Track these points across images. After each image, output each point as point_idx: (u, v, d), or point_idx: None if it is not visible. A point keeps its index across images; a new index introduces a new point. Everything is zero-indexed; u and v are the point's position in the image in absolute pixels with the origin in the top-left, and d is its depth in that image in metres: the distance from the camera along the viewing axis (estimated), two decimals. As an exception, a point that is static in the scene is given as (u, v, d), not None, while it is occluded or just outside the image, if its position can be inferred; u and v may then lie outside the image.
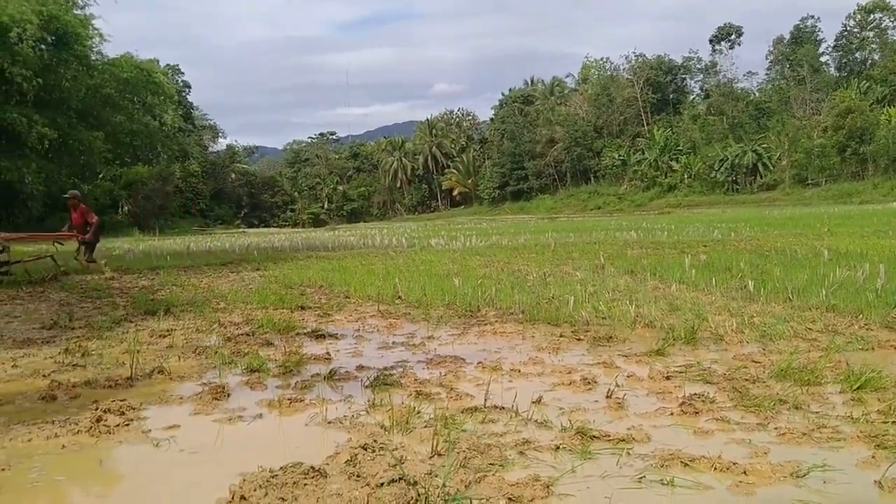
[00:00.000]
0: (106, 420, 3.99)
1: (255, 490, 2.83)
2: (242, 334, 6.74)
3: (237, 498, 2.85)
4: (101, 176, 56.77)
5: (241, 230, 61.64)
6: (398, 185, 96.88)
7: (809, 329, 5.86)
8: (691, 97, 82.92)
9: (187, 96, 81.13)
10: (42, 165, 43.97)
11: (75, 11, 46.20)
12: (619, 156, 75.53)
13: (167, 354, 5.91)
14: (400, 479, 2.81)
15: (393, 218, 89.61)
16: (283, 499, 2.76)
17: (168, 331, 7.06)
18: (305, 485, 2.89)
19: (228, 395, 4.54)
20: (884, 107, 62.44)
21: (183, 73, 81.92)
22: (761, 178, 65.04)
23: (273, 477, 2.94)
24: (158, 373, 5.18)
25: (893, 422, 3.47)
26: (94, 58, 49.19)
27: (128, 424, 3.97)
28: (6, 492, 3.10)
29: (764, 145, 65.58)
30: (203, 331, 7.06)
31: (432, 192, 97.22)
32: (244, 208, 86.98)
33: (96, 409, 4.18)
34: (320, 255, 17.45)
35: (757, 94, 77.11)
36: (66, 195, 15.85)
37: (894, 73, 65.30)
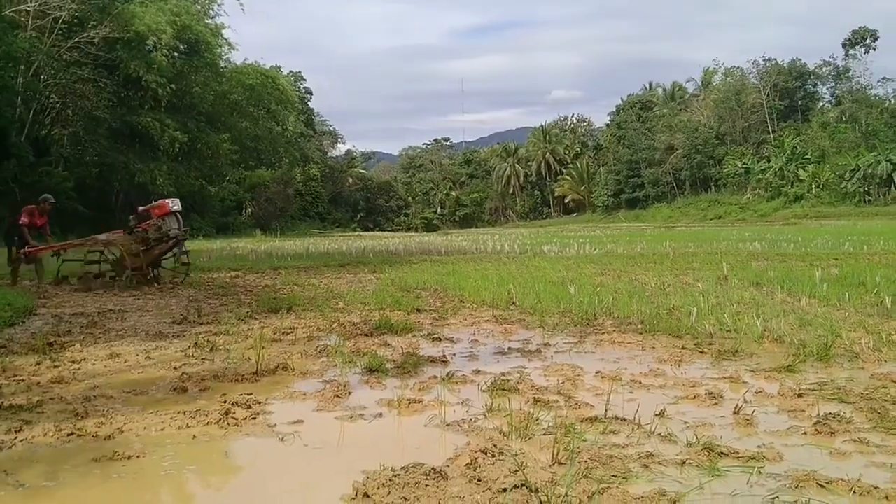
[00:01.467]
0: (234, 413, 4.14)
1: (378, 488, 2.86)
2: (361, 334, 6.88)
3: (360, 495, 2.90)
4: (226, 178, 59.30)
5: (356, 233, 63.02)
6: (510, 191, 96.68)
7: (957, 350, 5.46)
8: (821, 104, 79.07)
9: (309, 102, 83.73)
10: (172, 167, 46.35)
11: (206, 21, 48.50)
12: (743, 164, 72.74)
13: (290, 351, 6.10)
14: (522, 485, 2.79)
15: (505, 224, 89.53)
16: (405, 498, 2.78)
17: (291, 328, 7.29)
18: (427, 486, 2.91)
19: (349, 393, 4.63)
20: None
21: (305, 79, 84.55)
22: (896, 189, 61.30)
23: (395, 476, 2.97)
24: (282, 369, 5.35)
25: None
26: (222, 65, 51.50)
27: (254, 418, 4.11)
28: (141, 478, 3.26)
29: (900, 154, 61.79)
30: (323, 329, 7.25)
31: (545, 199, 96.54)
32: (360, 212, 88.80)
33: (224, 401, 4.35)
34: (434, 259, 17.63)
35: (893, 101, 72.77)
36: (46, 200, 14.15)
37: None
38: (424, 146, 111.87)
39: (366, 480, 2.93)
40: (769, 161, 71.08)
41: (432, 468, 3.02)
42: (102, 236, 13.81)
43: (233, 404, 4.29)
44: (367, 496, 2.86)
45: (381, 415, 4.18)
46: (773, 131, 74.87)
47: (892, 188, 61.32)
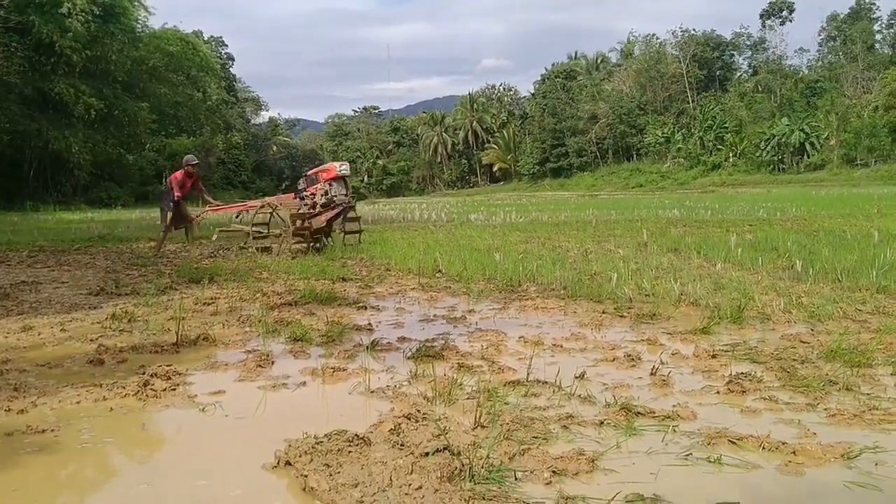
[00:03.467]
0: (153, 384, 4.06)
1: (300, 456, 2.85)
2: (285, 304, 6.81)
3: (283, 463, 2.88)
4: (146, 147, 57.55)
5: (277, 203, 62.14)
6: (438, 159, 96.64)
7: (859, 310, 5.72)
8: (739, 74, 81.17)
9: (230, 69, 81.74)
10: (89, 135, 44.76)
11: (122, -16, 46.66)
12: (663, 133, 74.30)
13: (212, 322, 5.99)
14: (444, 448, 2.81)
15: (432, 193, 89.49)
16: (327, 465, 2.78)
17: (212, 299, 7.16)
18: (350, 452, 2.90)
19: (272, 363, 4.59)
20: (939, 86, 60.52)
21: (226, 45, 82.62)
22: (808, 157, 63.55)
23: (318, 444, 2.95)
24: (203, 340, 5.25)
25: (950, 406, 3.38)
26: (139, 30, 49.72)
27: (174, 389, 4.03)
28: (57, 452, 3.17)
29: (812, 124, 64.05)
30: (246, 300, 7.14)
31: (472, 168, 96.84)
32: (285, 181, 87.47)
33: (143, 373, 4.25)
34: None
35: (807, 72, 75.23)
36: (189, 162, 13.43)
37: (951, 51, 63.21)
38: (353, 113, 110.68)
39: (288, 449, 2.91)
40: (689, 130, 72.76)
41: (356, 434, 3.01)
42: (272, 199, 13.50)
43: (152, 376, 4.19)
44: (290, 464, 2.84)
45: (304, 383, 4.15)
46: (693, 101, 76.58)
47: (805, 156, 63.58)
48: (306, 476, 2.70)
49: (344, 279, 8.49)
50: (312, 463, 2.80)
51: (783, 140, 63.82)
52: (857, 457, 2.83)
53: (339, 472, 2.72)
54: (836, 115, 61.34)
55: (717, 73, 79.52)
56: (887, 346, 4.48)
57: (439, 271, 8.87)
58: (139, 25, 49.78)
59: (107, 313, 6.40)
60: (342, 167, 12.50)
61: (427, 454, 2.79)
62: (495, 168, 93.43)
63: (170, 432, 3.55)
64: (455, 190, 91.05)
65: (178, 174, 13.42)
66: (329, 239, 12.49)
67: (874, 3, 72.03)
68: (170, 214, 13.52)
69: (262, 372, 4.39)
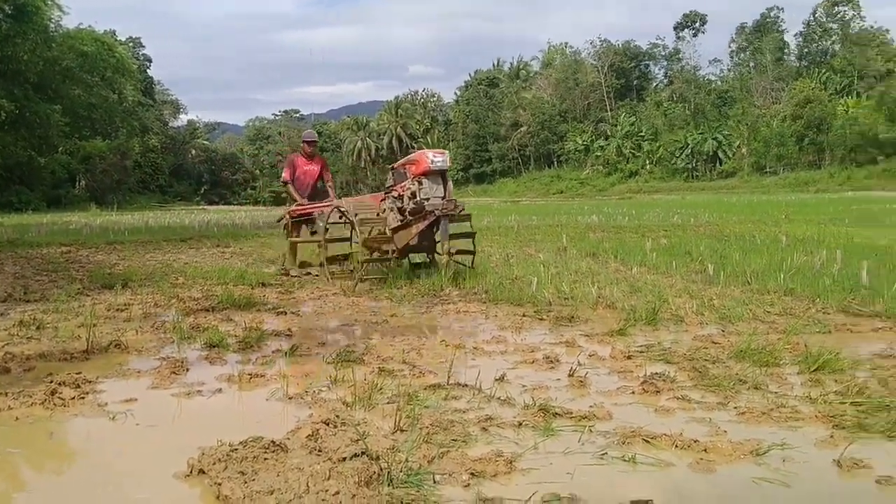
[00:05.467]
0: (61, 393, 3.90)
1: (214, 464, 2.78)
2: (202, 309, 6.65)
3: (196, 472, 2.80)
4: (58, 149, 55.48)
5: (201, 207, 60.74)
6: (362, 164, 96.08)
7: (768, 312, 5.94)
8: (655, 84, 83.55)
9: (148, 70, 79.63)
10: (-1, 137, 42.90)
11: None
12: (583, 141, 75.86)
13: (124, 328, 5.80)
14: (362, 453, 2.79)
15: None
16: (242, 472, 2.72)
17: (125, 305, 6.94)
18: (266, 459, 2.84)
19: (187, 370, 4.47)
20: (842, 97, 63.54)
21: (144, 46, 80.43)
22: (721, 165, 65.86)
23: (233, 451, 2.88)
24: (115, 346, 5.08)
25: (851, 403, 3.52)
26: (52, 29, 47.91)
27: (83, 397, 3.88)
28: (-45, 465, 3.02)
29: (724, 132, 66.36)
30: (161, 305, 6.94)
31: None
32: (204, 185, 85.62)
33: (51, 381, 4.08)
34: (281, 233, 17.19)
35: (719, 83, 77.96)
36: (307, 139, 10.36)
37: (853, 64, 66.40)
38: (273, 117, 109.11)
39: (201, 456, 2.83)
40: (607, 138, 74.42)
41: (272, 441, 2.95)
42: (347, 200, 9.58)
43: (60, 384, 4.02)
44: (203, 472, 2.77)
45: (220, 390, 4.05)
46: (611, 109, 78.36)
47: (718, 164, 65.78)
48: (220, 484, 2.63)
49: (263, 284, 8.35)
50: (227, 470, 2.73)
51: (697, 148, 65.93)
52: (766, 453, 2.92)
53: (254, 480, 2.66)
54: (747, 125, 63.73)
55: (634, 82, 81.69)
56: (794, 346, 4.66)
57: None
58: (52, 25, 47.95)
59: (14, 320, 6.12)
60: (437, 158, 8.03)
61: (345, 459, 2.76)
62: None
63: (78, 442, 3.42)
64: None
65: (293, 155, 10.43)
66: (432, 256, 9.07)
67: (779, 16, 75.14)
68: (287, 221, 9.98)
69: (177, 379, 4.27)
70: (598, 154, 73.99)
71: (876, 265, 7.47)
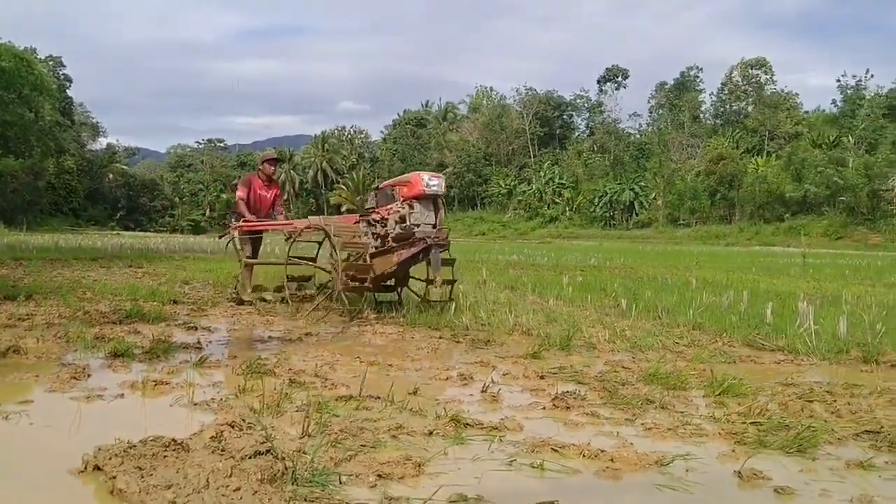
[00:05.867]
0: (-52, 393, 3.69)
1: (110, 459, 2.66)
2: (109, 322, 6.42)
3: (91, 468, 2.68)
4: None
5: (115, 232, 58.87)
6: (285, 196, 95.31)
7: (677, 343, 6.10)
8: (577, 133, 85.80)
9: (68, 90, 77.46)
10: None
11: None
12: (506, 184, 77.06)
13: (25, 336, 5.54)
14: (267, 451, 2.71)
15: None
16: (140, 468, 2.61)
17: (28, 315, 6.64)
18: (165, 456, 2.74)
19: (89, 376, 4.29)
20: (753, 156, 66.49)
21: (65, 66, 78.29)
22: (637, 215, 67.78)
23: (131, 448, 2.77)
24: (14, 352, 4.85)
25: (752, 423, 3.62)
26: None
27: (-27, 398, 3.68)
28: None
29: (641, 184, 68.45)
30: (66, 317, 6.67)
31: (320, 207, 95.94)
32: (121, 210, 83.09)
33: (-62, 382, 3.86)
34: (198, 257, 16.85)
35: (638, 135, 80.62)
36: (267, 158, 9.77)
37: (764, 125, 69.64)
38: (196, 146, 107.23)
39: (97, 452, 2.71)
40: (530, 183, 75.81)
41: (173, 440, 2.85)
42: (317, 219, 8.50)
43: (-53, 386, 3.81)
44: (98, 468, 2.64)
45: (122, 395, 3.90)
46: (535, 155, 79.97)
47: (634, 214, 67.65)
48: (115, 478, 2.52)
49: (175, 301, 8.13)
50: (123, 466, 2.62)
51: (615, 198, 67.73)
52: (670, 464, 2.97)
53: (151, 475, 2.56)
54: (663, 177, 65.90)
55: (558, 130, 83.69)
56: (700, 372, 4.78)
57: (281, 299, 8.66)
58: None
59: None
60: (432, 181, 7.36)
61: (248, 457, 2.69)
62: (343, 209, 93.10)
63: (-37, 441, 3.23)
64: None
65: (250, 175, 9.74)
66: (400, 290, 8.54)
67: (698, 76, 78.44)
68: (233, 239, 9.15)
69: (77, 384, 4.09)
70: (521, 198, 75.23)
71: (780, 306, 7.76)
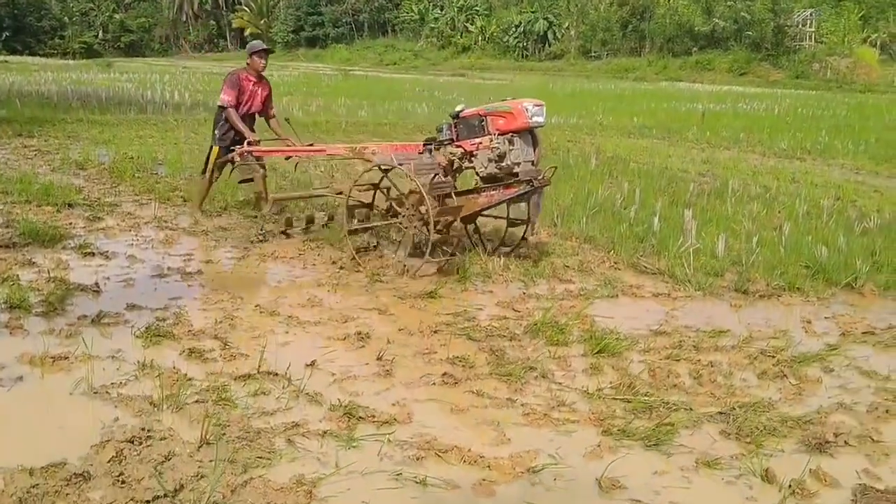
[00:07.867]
0: None
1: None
2: (1, 246, 6.24)
3: (-7, 514, 2.82)
4: None
5: (2, 59, 54.49)
6: (183, 18, 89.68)
7: (566, 267, 6.41)
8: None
9: None
10: None
11: None
12: (418, 10, 74.44)
13: None
14: (164, 495, 2.89)
15: (177, 55, 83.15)
16: (43, 518, 2.76)
17: None
18: (68, 494, 2.89)
19: (-18, 346, 4.29)
20: (666, -13, 65.81)
21: None
22: (550, 46, 67.02)
23: (34, 487, 2.90)
24: None
25: (621, 399, 3.99)
26: None
27: None
28: None
29: (555, 13, 67.28)
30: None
31: (221, 31, 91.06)
32: (5, 31, 77.05)
33: None
34: (92, 119, 15.93)
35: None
36: (255, 49, 7.89)
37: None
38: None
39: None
40: (442, 10, 73.46)
41: (74, 473, 2.99)
42: (373, 147, 6.97)
43: None
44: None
45: (21, 378, 3.95)
46: (449, -20, 76.89)
47: (547, 45, 66.90)
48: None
49: (70, 205, 7.88)
50: (22, 513, 2.77)
51: (528, 28, 66.53)
52: (541, 471, 3.28)
53: (54, 528, 2.72)
54: (576, 7, 64.82)
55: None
56: (583, 320, 5.12)
57: (179, 196, 8.57)
58: None
59: None
60: (537, 111, 6.05)
61: (148, 502, 2.86)
62: (247, 33, 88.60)
63: None
64: (202, 53, 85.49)
65: (235, 72, 7.89)
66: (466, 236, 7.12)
67: None
68: (215, 150, 7.78)
69: (-33, 362, 4.10)
70: (433, 26, 73.06)
71: (668, 209, 8.14)
